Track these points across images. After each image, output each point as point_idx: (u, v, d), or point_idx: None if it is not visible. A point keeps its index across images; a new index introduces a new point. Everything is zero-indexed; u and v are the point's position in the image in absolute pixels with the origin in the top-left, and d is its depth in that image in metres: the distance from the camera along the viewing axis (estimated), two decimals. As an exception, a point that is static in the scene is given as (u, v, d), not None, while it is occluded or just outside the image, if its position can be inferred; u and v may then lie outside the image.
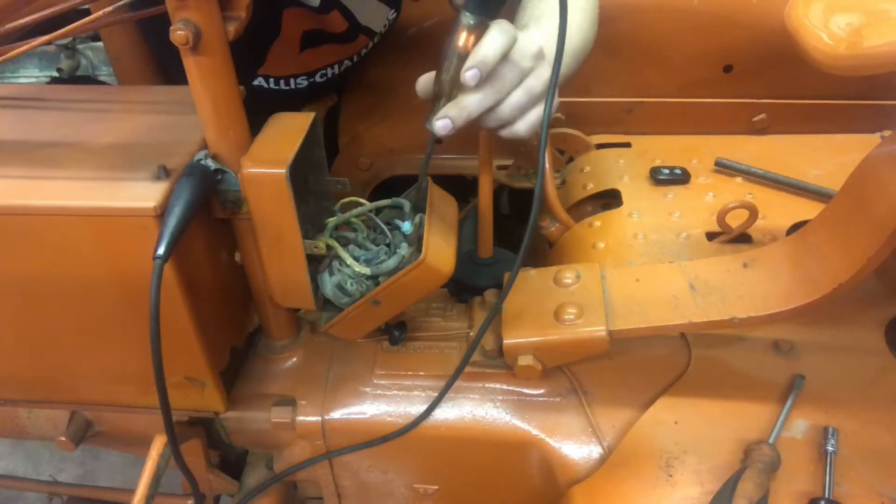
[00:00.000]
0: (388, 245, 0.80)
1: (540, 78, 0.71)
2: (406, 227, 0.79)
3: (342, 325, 0.81)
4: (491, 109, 0.70)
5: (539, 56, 0.71)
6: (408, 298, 0.78)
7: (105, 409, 0.90)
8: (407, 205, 0.81)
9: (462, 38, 0.66)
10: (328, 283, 0.78)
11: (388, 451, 0.87)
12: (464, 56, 0.66)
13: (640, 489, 0.72)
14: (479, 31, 0.66)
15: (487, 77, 0.67)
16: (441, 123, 0.68)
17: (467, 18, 0.65)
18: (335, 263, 0.78)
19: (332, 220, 0.81)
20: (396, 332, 0.88)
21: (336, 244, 0.78)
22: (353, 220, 0.81)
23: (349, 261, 0.77)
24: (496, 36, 0.65)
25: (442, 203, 0.81)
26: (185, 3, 0.60)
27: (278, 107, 0.78)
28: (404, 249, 0.77)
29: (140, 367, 0.78)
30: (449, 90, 0.69)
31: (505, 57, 0.67)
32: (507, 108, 0.70)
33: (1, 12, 0.68)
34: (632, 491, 0.72)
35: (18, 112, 0.83)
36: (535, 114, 0.72)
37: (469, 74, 0.65)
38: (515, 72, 0.69)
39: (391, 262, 0.77)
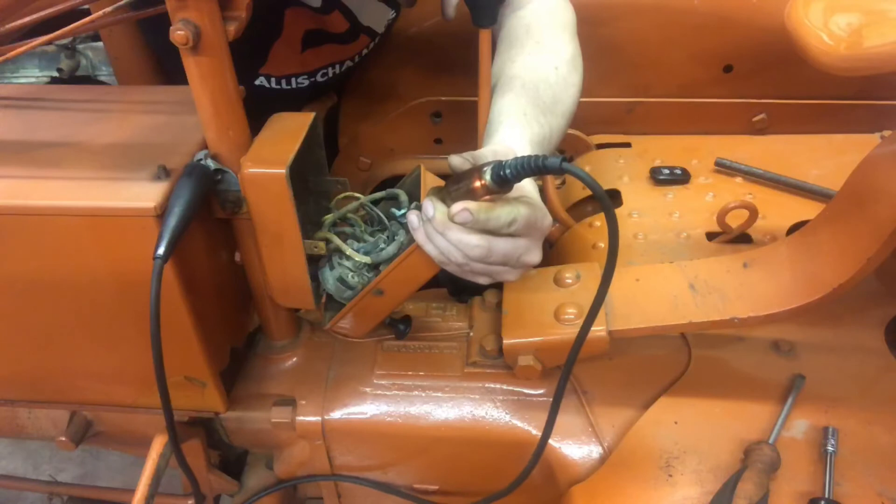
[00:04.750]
0: (386, 235, 0.80)
1: (529, 252, 0.69)
2: (403, 214, 0.79)
3: (346, 320, 0.81)
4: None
5: (542, 231, 0.69)
6: (410, 285, 0.78)
7: (105, 409, 0.90)
8: (402, 194, 0.81)
9: (478, 188, 0.63)
10: (329, 278, 0.78)
11: (389, 451, 0.87)
12: (474, 193, 0.63)
13: (640, 489, 0.72)
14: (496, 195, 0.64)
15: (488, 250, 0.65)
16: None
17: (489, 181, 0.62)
18: (335, 257, 0.78)
19: (329, 217, 0.81)
20: (402, 325, 0.88)
21: (335, 237, 0.78)
22: (350, 215, 0.81)
23: (349, 251, 0.77)
24: (504, 213, 0.64)
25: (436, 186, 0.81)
26: (185, 3, 0.60)
27: (279, 107, 0.78)
28: (402, 236, 0.77)
29: (140, 367, 0.78)
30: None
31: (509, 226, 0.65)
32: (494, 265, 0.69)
33: (1, 12, 0.68)
34: (632, 491, 0.72)
35: (18, 112, 0.83)
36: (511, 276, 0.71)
37: (461, 217, 0.63)
38: (510, 247, 0.67)
39: (391, 249, 0.77)
